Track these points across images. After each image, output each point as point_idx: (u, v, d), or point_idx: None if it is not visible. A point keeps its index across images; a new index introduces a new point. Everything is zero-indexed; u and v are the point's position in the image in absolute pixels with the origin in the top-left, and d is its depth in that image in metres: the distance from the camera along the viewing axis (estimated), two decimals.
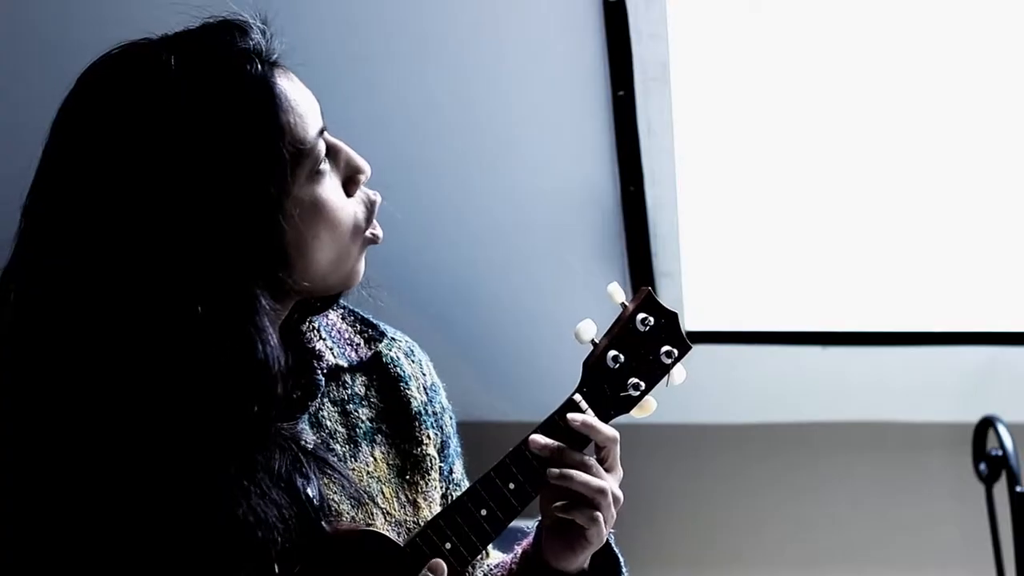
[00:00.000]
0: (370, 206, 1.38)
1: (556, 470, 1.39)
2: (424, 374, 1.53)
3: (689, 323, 2.94)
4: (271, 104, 1.28)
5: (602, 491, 1.39)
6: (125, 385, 1.24)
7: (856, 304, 2.92)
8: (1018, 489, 2.52)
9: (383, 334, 1.51)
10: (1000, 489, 2.60)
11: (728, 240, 2.87)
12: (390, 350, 1.51)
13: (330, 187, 1.33)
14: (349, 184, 1.36)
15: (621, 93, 2.59)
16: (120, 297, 1.24)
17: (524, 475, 1.40)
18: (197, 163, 1.25)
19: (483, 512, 1.39)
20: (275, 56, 1.32)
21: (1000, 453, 2.57)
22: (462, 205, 2.81)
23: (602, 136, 2.66)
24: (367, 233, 1.37)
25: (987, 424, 2.63)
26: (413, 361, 1.53)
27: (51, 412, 1.25)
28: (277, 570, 1.29)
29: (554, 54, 2.58)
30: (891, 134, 2.71)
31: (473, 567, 1.48)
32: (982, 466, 2.63)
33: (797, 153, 2.75)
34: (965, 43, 2.60)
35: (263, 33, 1.32)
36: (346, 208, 1.35)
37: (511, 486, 1.40)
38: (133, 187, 1.25)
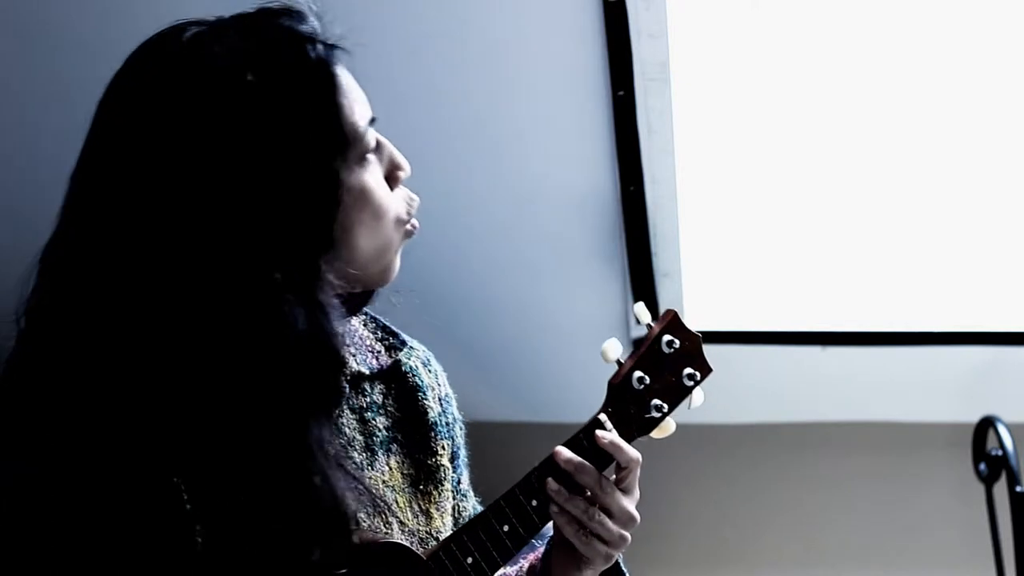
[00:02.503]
0: (410, 202, 1.39)
1: (555, 485, 1.39)
2: (440, 384, 1.54)
3: (689, 323, 2.93)
4: (331, 85, 1.30)
5: (623, 537, 1.41)
6: (202, 353, 1.24)
7: (856, 304, 2.92)
8: (1018, 489, 2.52)
9: (404, 343, 1.51)
10: (1000, 489, 2.60)
11: (728, 240, 2.87)
12: (409, 359, 1.51)
13: (377, 175, 1.35)
14: (390, 179, 1.37)
15: (621, 93, 2.59)
16: (190, 270, 1.24)
17: (547, 492, 1.40)
18: (261, 138, 1.25)
19: (505, 528, 1.39)
20: (331, 41, 1.33)
21: (1000, 453, 2.57)
22: (462, 205, 2.81)
23: (602, 136, 2.66)
24: (407, 225, 1.39)
25: (987, 424, 2.63)
26: (430, 371, 1.53)
27: (130, 380, 1.23)
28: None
29: (554, 54, 2.58)
30: (891, 134, 2.70)
31: None
32: (982, 466, 2.63)
33: (797, 153, 2.75)
34: (965, 42, 2.60)
35: (318, 19, 1.33)
36: (390, 198, 1.36)
37: (534, 503, 1.40)
38: (198, 162, 1.24)
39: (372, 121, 1.36)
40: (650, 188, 2.72)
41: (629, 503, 1.42)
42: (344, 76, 1.33)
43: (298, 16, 1.32)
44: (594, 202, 2.78)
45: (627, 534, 1.42)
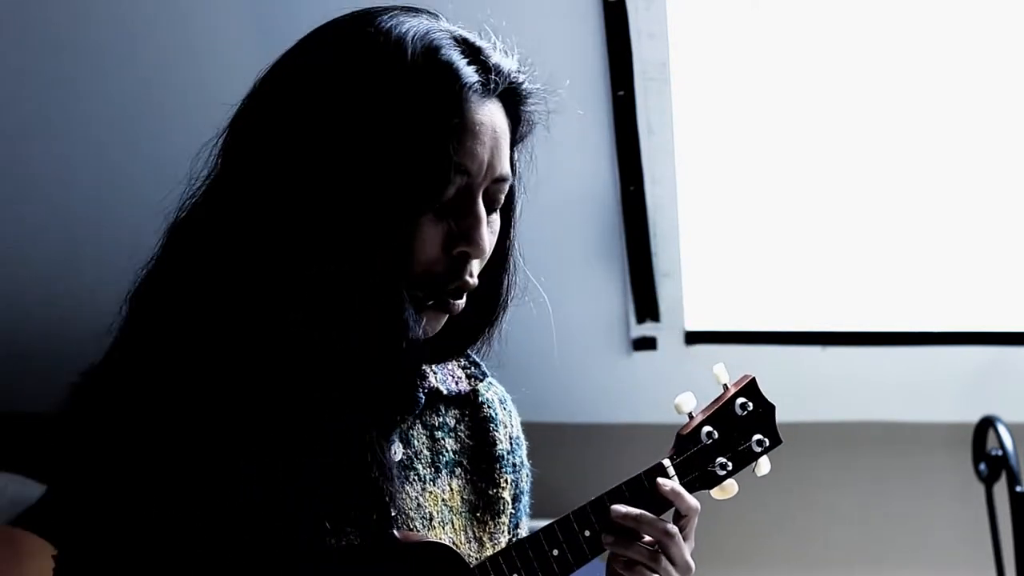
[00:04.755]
0: (453, 278, 1.34)
1: (610, 538, 1.40)
2: (513, 425, 1.55)
3: (689, 323, 2.94)
4: (445, 120, 1.28)
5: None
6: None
7: (856, 304, 2.92)
8: (1018, 489, 2.52)
9: (485, 375, 1.53)
10: (1000, 489, 2.60)
11: (728, 240, 2.87)
12: (487, 391, 1.53)
13: (433, 231, 1.31)
14: (451, 245, 1.32)
15: (621, 93, 2.59)
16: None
17: (601, 525, 1.41)
18: (359, 147, 1.26)
19: (555, 552, 1.40)
20: (500, 83, 1.35)
21: (1000, 453, 2.57)
22: None
23: (602, 136, 2.66)
24: (440, 300, 1.35)
25: (987, 424, 2.63)
26: (506, 409, 1.55)
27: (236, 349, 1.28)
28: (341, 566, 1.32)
29: (554, 54, 2.58)
30: (891, 134, 2.71)
31: None
32: (982, 466, 2.63)
33: (797, 152, 2.75)
34: (965, 42, 2.60)
35: (506, 55, 1.38)
36: (425, 258, 1.32)
37: (586, 533, 1.41)
38: (308, 148, 1.26)
39: (499, 180, 1.36)
40: (650, 188, 2.72)
41: (687, 552, 1.42)
42: (483, 116, 1.32)
43: (468, 45, 1.34)
44: (594, 202, 2.78)
45: None
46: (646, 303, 2.89)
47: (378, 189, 1.26)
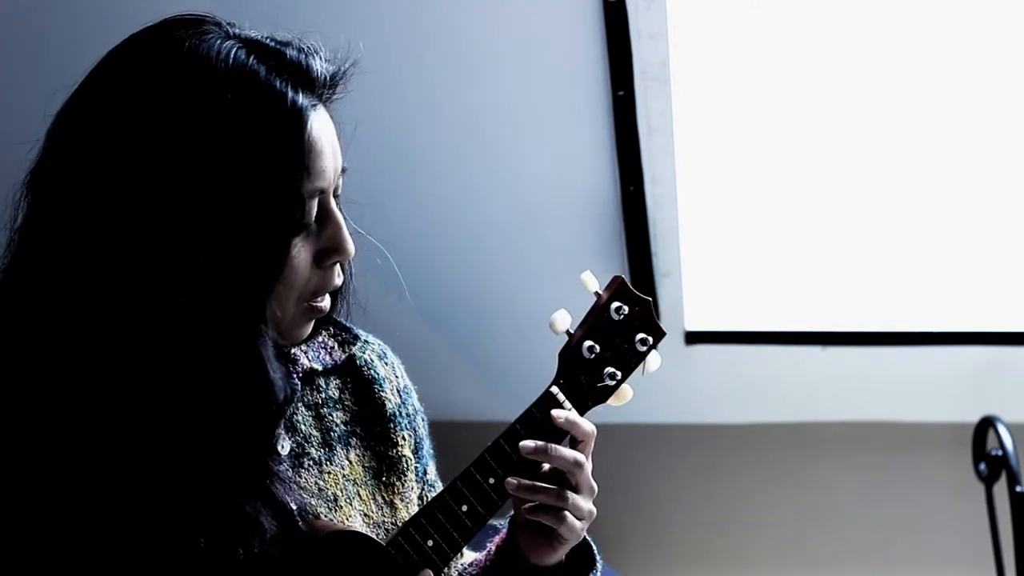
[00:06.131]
0: (326, 283, 1.33)
1: (514, 481, 1.38)
2: (397, 376, 1.53)
3: (689, 323, 2.94)
4: (292, 147, 1.25)
5: (591, 512, 1.40)
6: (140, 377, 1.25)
7: (856, 304, 2.92)
8: (1018, 489, 2.52)
9: (357, 337, 1.50)
10: (1000, 489, 2.60)
11: (728, 240, 2.87)
12: (364, 352, 1.50)
13: (304, 249, 1.30)
14: (323, 256, 1.31)
15: (621, 93, 2.59)
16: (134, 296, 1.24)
17: (504, 469, 1.39)
18: (209, 174, 1.23)
19: (464, 508, 1.39)
20: (324, 90, 1.30)
21: (1000, 453, 2.57)
22: (462, 205, 2.81)
23: (602, 136, 2.66)
24: (313, 303, 1.33)
25: (987, 424, 2.63)
26: (387, 363, 1.53)
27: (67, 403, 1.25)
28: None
29: (554, 54, 2.58)
30: (891, 133, 2.70)
31: (450, 566, 1.48)
32: (982, 466, 2.63)
33: (797, 152, 2.75)
34: (965, 42, 2.60)
35: (315, 55, 1.30)
36: (303, 274, 1.30)
37: (491, 481, 1.39)
38: (149, 186, 1.23)
39: (343, 171, 1.32)
40: (650, 188, 2.72)
41: (590, 476, 1.41)
42: (318, 129, 1.28)
43: (285, 59, 1.28)
44: (594, 202, 2.78)
45: (593, 507, 1.41)
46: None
47: (238, 233, 1.23)
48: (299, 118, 1.26)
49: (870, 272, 2.87)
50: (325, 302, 1.35)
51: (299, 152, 1.26)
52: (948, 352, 2.92)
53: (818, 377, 3.00)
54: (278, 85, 1.26)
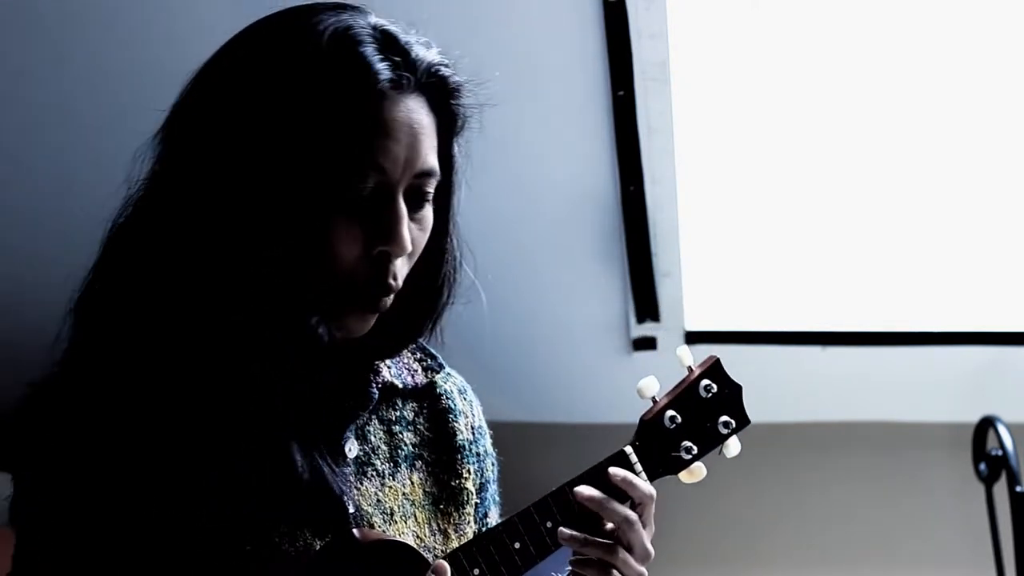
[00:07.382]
0: (374, 279, 1.33)
1: (567, 532, 1.38)
2: (474, 414, 1.55)
3: (689, 323, 2.94)
4: (364, 117, 1.28)
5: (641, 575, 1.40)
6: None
7: (856, 304, 2.92)
8: (1018, 489, 2.52)
9: (441, 366, 1.53)
10: (1000, 489, 2.60)
11: (728, 240, 2.87)
12: (445, 383, 1.52)
13: (349, 231, 1.30)
14: (370, 244, 1.31)
15: (621, 93, 2.59)
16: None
17: (563, 516, 1.40)
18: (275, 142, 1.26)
19: (516, 545, 1.39)
20: (424, 78, 1.34)
21: (1000, 453, 2.57)
22: (462, 205, 2.80)
23: (602, 136, 2.66)
24: (368, 300, 1.34)
25: (987, 424, 2.63)
26: (466, 399, 1.55)
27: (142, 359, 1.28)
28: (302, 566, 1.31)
29: (554, 54, 2.58)
30: (891, 133, 2.71)
31: None
32: (982, 466, 2.63)
33: (797, 152, 2.75)
34: (965, 42, 2.60)
35: (426, 48, 1.37)
36: (344, 260, 1.31)
37: (548, 524, 1.39)
38: (242, 126, 1.27)
39: (422, 175, 1.34)
40: (650, 188, 2.72)
41: (647, 539, 1.41)
42: (400, 112, 1.30)
43: (387, 40, 1.32)
44: (594, 202, 2.78)
45: (644, 571, 1.41)
46: (646, 303, 2.89)
47: (290, 187, 1.26)
48: (378, 91, 1.28)
49: (870, 272, 2.87)
50: (387, 298, 1.35)
51: (367, 123, 1.28)
52: (948, 352, 2.92)
53: (818, 377, 3.00)
54: (368, 53, 1.29)
